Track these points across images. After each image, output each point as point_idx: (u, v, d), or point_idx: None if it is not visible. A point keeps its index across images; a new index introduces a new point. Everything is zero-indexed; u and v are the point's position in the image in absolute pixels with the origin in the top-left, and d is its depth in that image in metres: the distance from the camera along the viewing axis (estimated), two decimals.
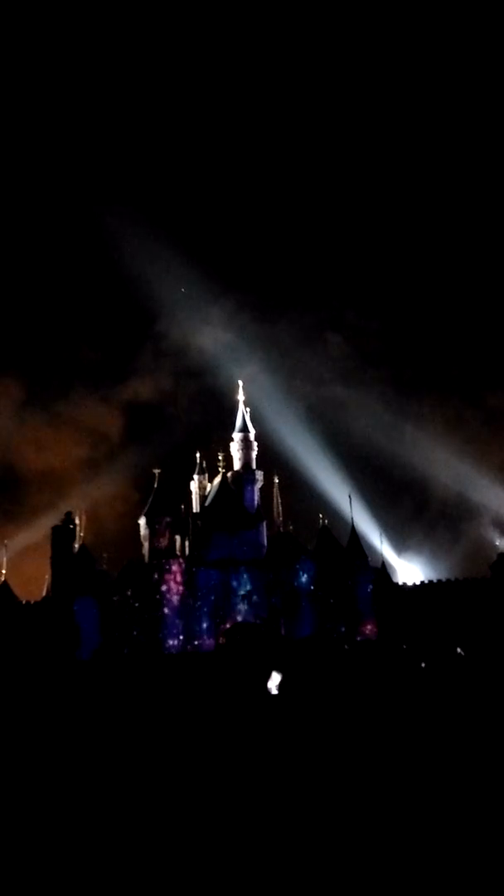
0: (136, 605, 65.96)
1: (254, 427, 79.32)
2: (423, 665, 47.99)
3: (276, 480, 77.93)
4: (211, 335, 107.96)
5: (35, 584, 72.27)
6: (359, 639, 67.25)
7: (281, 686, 47.78)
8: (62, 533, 68.69)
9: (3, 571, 67.84)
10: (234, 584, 68.30)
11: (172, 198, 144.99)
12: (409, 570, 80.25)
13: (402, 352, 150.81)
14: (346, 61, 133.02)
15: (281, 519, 77.03)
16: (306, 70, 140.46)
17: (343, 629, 67.81)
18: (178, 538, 72.58)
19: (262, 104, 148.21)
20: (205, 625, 67.02)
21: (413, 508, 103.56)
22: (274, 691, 47.72)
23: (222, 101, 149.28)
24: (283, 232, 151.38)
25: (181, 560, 68.74)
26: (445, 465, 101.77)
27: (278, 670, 49.68)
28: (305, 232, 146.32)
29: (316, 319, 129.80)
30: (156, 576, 66.99)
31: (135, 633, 65.29)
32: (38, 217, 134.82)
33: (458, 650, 62.15)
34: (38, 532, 76.83)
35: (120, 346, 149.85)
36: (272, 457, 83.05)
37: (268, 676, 49.37)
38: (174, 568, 67.39)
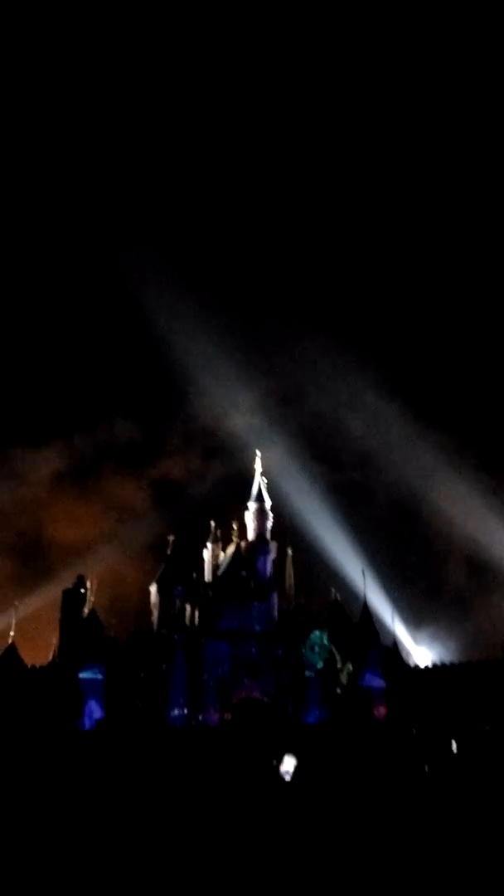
0: (142, 674, 64.99)
1: (270, 498, 79.26)
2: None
3: (290, 552, 77.52)
4: (236, 418, 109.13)
5: (43, 648, 71.63)
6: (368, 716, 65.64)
7: (295, 772, 46.39)
8: (73, 597, 68.48)
9: (12, 634, 67.34)
10: (243, 657, 67.24)
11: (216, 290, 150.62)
12: (421, 651, 78.86)
13: (420, 433, 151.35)
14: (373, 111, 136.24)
15: (293, 591, 76.33)
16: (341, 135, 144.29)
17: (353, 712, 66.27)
18: (188, 607, 71.93)
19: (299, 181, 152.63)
20: (211, 698, 65.74)
21: (426, 588, 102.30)
22: (287, 778, 46.25)
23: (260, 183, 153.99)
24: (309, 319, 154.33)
25: (190, 631, 67.96)
26: (459, 544, 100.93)
27: (291, 753, 48.33)
28: (333, 321, 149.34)
29: (335, 402, 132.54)
30: (163, 646, 66.18)
31: (139, 703, 64.17)
32: (83, 298, 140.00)
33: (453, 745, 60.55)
34: (49, 595, 76.53)
35: (153, 426, 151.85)
36: (286, 529, 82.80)
37: (278, 758, 48.00)
38: (182, 638, 66.60)
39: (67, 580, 73.46)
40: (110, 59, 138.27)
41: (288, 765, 46.66)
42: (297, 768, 46.35)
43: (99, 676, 64.14)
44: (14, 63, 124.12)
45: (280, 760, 47.55)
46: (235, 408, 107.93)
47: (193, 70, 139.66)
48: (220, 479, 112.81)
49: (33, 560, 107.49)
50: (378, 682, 68.14)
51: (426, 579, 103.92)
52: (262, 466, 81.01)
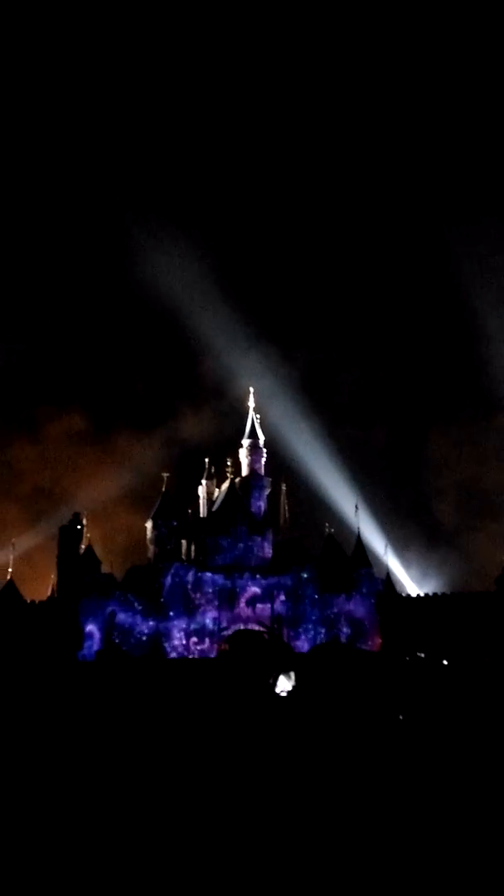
0: (140, 608, 65.93)
1: (263, 434, 79.39)
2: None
3: (284, 488, 78.14)
4: (231, 353, 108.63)
5: (42, 584, 72.57)
6: (362, 647, 67.04)
7: (292, 690, 47.49)
8: (69, 533, 68.98)
9: (10, 570, 68.04)
10: (239, 589, 68.20)
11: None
12: (414, 584, 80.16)
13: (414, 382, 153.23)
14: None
15: (287, 526, 77.17)
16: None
17: (347, 639, 67.65)
18: (183, 542, 72.66)
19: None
20: (208, 631, 66.90)
21: (419, 520, 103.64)
22: (283, 694, 47.43)
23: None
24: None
25: (186, 564, 68.80)
26: (453, 482, 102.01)
27: (286, 675, 49.51)
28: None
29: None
30: (160, 579, 67.05)
31: (138, 636, 65.26)
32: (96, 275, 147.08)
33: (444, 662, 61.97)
34: (47, 533, 77.22)
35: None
36: (281, 464, 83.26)
37: (274, 679, 49.12)
38: (179, 572, 67.45)
39: (65, 519, 74.06)
40: (117, 30, 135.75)
41: (284, 684, 47.80)
42: (293, 687, 47.50)
43: (97, 610, 65.00)
44: (20, 35, 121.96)
45: (276, 680, 48.71)
46: (231, 344, 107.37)
47: (197, 45, 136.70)
48: (216, 417, 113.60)
49: (35, 502, 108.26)
50: (371, 613, 69.50)
51: (419, 515, 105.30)
52: (256, 403, 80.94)
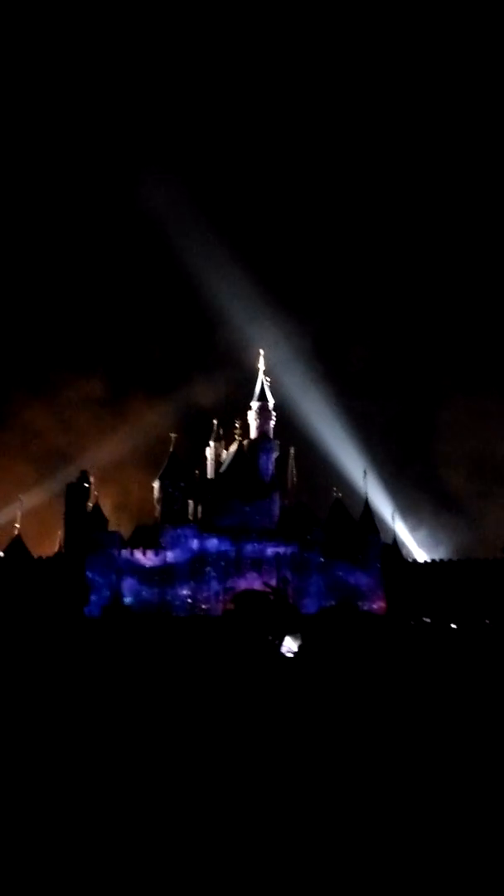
0: (146, 566, 66.08)
1: (273, 398, 78.87)
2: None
3: (292, 451, 77.73)
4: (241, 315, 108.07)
5: (49, 540, 72.67)
6: (367, 610, 67.14)
7: (298, 651, 47.61)
8: (76, 491, 68.94)
9: (17, 526, 68.17)
10: (245, 551, 68.21)
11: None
12: (421, 550, 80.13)
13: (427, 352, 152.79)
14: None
15: (295, 490, 76.94)
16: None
17: (352, 603, 67.70)
18: (191, 503, 72.52)
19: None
20: (214, 590, 67.06)
21: (428, 488, 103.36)
22: (289, 655, 47.54)
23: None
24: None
25: (193, 524, 68.78)
26: (463, 450, 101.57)
27: (293, 636, 49.58)
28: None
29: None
30: (167, 538, 67.09)
31: (144, 593, 65.51)
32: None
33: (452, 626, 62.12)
34: (54, 489, 77.18)
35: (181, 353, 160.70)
36: (290, 428, 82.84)
37: (280, 639, 49.23)
38: (185, 531, 67.47)
39: (72, 476, 73.93)
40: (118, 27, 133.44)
41: (290, 644, 47.89)
42: (299, 647, 47.59)
43: (104, 567, 65.17)
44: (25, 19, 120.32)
45: (281, 640, 48.80)
46: (245, 312, 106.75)
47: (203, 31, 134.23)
48: (227, 381, 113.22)
49: (44, 461, 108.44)
50: (377, 578, 69.48)
51: (428, 482, 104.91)
52: (267, 367, 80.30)
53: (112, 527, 69.77)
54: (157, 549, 66.61)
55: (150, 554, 66.35)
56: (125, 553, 65.90)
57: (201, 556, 67.24)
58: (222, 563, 67.41)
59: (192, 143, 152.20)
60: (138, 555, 66.19)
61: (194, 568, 66.82)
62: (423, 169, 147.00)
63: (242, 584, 67.73)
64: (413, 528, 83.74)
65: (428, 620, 63.98)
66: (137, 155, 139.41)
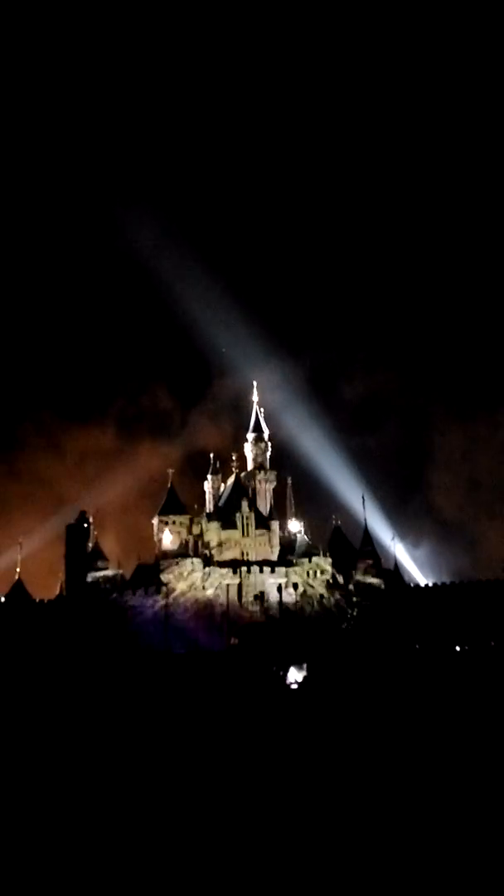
0: (148, 604, 65.96)
1: (268, 428, 79.29)
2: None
3: (290, 481, 77.99)
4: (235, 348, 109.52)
5: (51, 583, 72.62)
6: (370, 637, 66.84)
7: (303, 681, 47.34)
8: (76, 532, 69.08)
9: (18, 570, 68.22)
10: (246, 584, 68.10)
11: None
12: (421, 573, 79.99)
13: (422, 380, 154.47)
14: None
15: (294, 518, 76.99)
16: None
17: (355, 629, 67.49)
18: (190, 538, 72.58)
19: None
20: (216, 625, 66.84)
21: (426, 513, 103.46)
22: (294, 686, 47.29)
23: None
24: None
25: (193, 560, 68.79)
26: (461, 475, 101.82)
27: (298, 666, 49.34)
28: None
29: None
30: (167, 576, 67.04)
31: (145, 631, 65.31)
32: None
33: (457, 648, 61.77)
34: (53, 530, 77.27)
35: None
36: (288, 458, 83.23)
37: (284, 670, 48.93)
38: (186, 568, 67.45)
39: (67, 514, 74.23)
40: (116, 25, 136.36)
41: (294, 675, 47.59)
42: (304, 678, 47.32)
43: (106, 607, 65.02)
44: (20, 29, 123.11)
45: (286, 671, 48.52)
46: (243, 353, 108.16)
47: (197, 41, 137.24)
48: (224, 418, 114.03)
49: (43, 503, 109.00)
50: (378, 603, 69.27)
51: (427, 507, 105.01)
52: (260, 398, 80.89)
53: (112, 566, 69.81)
54: (159, 586, 66.43)
55: (150, 593, 66.19)
56: (126, 593, 65.74)
57: (203, 591, 67.11)
58: (224, 598, 67.18)
59: (184, 184, 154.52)
60: (140, 594, 66.00)
61: (195, 604, 66.64)
62: (412, 205, 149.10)
63: (245, 618, 67.51)
64: (413, 553, 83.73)
65: (433, 644, 63.66)
66: (129, 199, 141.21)
